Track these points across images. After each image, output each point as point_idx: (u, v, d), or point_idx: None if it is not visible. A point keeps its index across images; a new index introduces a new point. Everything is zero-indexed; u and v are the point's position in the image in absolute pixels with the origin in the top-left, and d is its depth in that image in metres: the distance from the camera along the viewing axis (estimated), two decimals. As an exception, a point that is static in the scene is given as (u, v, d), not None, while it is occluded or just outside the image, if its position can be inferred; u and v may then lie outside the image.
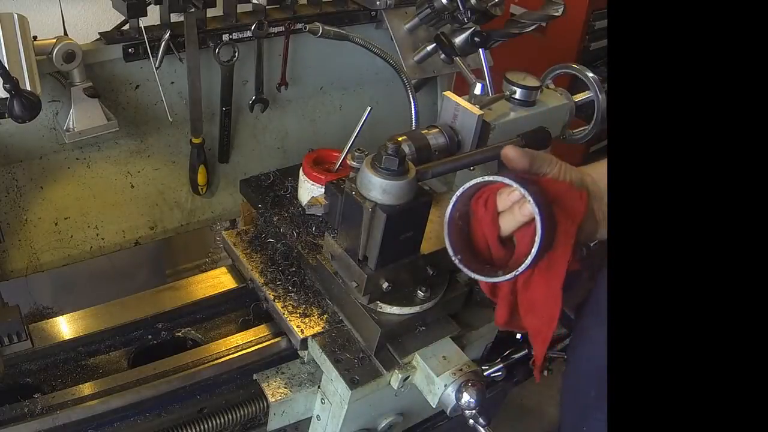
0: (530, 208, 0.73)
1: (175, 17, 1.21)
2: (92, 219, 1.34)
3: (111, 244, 1.38)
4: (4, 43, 0.95)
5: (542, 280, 0.79)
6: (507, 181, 0.75)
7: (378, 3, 1.42)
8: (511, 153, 0.80)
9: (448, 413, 1.02)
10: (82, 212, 1.32)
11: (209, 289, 1.26)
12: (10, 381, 1.04)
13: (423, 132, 1.09)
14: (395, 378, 1.02)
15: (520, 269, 0.73)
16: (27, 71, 0.97)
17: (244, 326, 1.19)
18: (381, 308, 1.02)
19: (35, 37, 1.03)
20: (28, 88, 0.97)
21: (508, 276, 0.75)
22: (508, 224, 0.78)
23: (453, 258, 0.80)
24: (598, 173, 0.86)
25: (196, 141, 1.35)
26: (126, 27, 1.18)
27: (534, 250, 0.72)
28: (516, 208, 0.76)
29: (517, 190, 0.75)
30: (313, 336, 1.06)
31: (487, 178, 0.77)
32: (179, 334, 1.17)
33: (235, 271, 1.29)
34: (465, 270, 0.79)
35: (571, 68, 1.24)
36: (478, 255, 0.83)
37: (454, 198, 0.80)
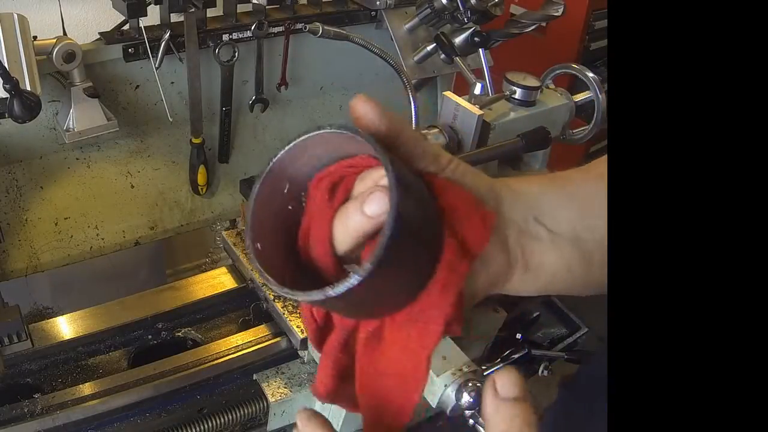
0: (379, 204, 0.42)
1: (175, 17, 1.21)
2: (92, 219, 1.34)
3: (111, 244, 1.38)
4: (4, 43, 0.95)
5: (398, 342, 0.46)
6: (357, 137, 0.43)
7: (378, 3, 1.42)
8: (360, 106, 0.46)
9: (448, 413, 1.02)
10: (82, 212, 1.32)
11: (209, 289, 1.26)
12: (10, 381, 1.04)
13: (423, 132, 1.09)
14: (395, 378, 1.02)
15: (330, 290, 0.40)
16: (27, 71, 0.97)
17: (244, 326, 1.19)
18: (381, 308, 1.02)
19: (35, 37, 1.03)
20: (28, 88, 0.97)
21: (300, 296, 0.42)
22: (347, 229, 0.45)
23: (247, 246, 0.46)
24: (527, 185, 0.52)
25: (196, 141, 1.35)
26: (126, 27, 1.18)
27: (367, 267, 0.39)
28: (360, 201, 0.43)
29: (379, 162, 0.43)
30: (313, 336, 1.06)
31: (327, 128, 0.45)
32: (179, 334, 1.17)
33: (235, 271, 1.29)
34: (257, 266, 0.45)
35: (571, 68, 1.24)
36: (307, 267, 0.49)
37: (275, 158, 0.47)
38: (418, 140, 0.48)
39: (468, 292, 0.48)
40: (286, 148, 0.47)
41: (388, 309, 0.46)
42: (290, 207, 0.49)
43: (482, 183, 0.50)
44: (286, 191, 0.49)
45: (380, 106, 0.46)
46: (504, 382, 0.43)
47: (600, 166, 0.54)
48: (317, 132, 0.46)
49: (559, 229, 0.51)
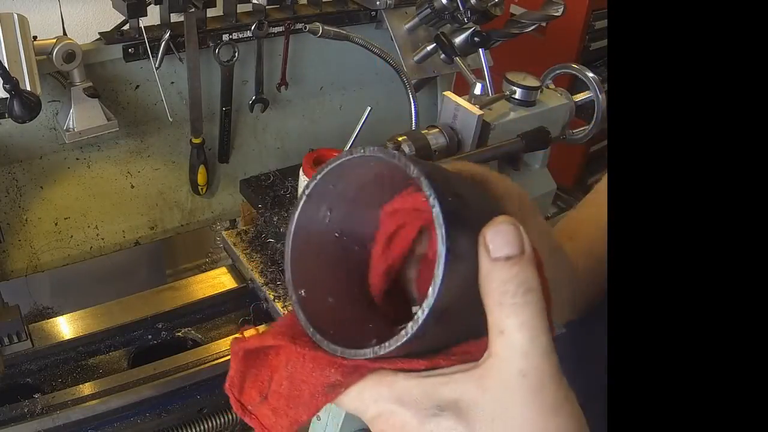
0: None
1: (175, 17, 1.21)
2: (92, 219, 1.34)
3: (111, 244, 1.38)
4: (4, 43, 0.95)
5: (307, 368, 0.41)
6: (408, 169, 0.37)
7: (378, 3, 1.42)
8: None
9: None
10: (82, 212, 1.32)
11: (209, 289, 1.26)
12: (10, 381, 1.04)
13: (423, 132, 1.09)
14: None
15: (380, 349, 0.37)
16: (27, 71, 0.97)
17: (245, 326, 1.19)
18: (381, 308, 1.02)
19: (35, 37, 1.03)
20: (28, 88, 0.97)
21: (353, 354, 0.38)
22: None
23: (290, 295, 0.43)
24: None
25: (196, 141, 1.35)
26: (126, 27, 1.18)
27: (424, 310, 0.35)
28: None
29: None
30: (313, 336, 1.06)
31: (372, 151, 0.39)
32: (179, 334, 1.17)
33: (235, 271, 1.29)
34: (302, 318, 0.41)
35: (571, 68, 1.24)
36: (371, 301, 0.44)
37: (312, 183, 0.42)
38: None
39: None
40: (325, 170, 0.41)
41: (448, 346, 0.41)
42: (336, 234, 0.44)
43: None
44: (328, 220, 0.44)
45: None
46: (494, 238, 0.36)
47: None
48: (360, 154, 0.40)
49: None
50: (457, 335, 0.40)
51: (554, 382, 0.35)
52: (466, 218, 0.37)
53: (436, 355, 0.39)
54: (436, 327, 0.36)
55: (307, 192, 0.42)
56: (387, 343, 0.36)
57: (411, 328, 0.36)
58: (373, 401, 0.39)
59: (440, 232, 0.35)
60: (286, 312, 1.10)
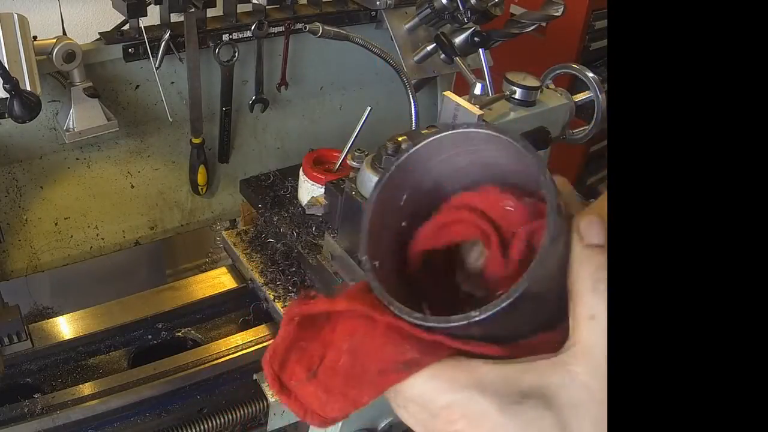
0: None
1: (175, 17, 1.21)
2: (92, 219, 1.34)
3: (111, 244, 1.38)
4: (4, 43, 0.95)
5: (382, 339, 0.38)
6: (523, 149, 0.37)
7: (378, 3, 1.42)
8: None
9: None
10: (82, 212, 1.32)
11: (209, 289, 1.26)
12: (10, 381, 1.04)
13: (423, 132, 1.09)
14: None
15: (486, 310, 0.35)
16: (27, 71, 0.97)
17: (244, 326, 1.19)
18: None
19: (35, 37, 1.03)
20: (28, 88, 0.97)
21: (437, 322, 0.36)
22: None
23: (364, 265, 0.41)
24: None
25: (196, 141, 1.35)
26: (126, 27, 1.18)
27: (525, 278, 0.35)
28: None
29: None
30: (313, 336, 1.06)
31: (474, 128, 0.38)
32: (179, 334, 1.17)
33: (235, 271, 1.29)
34: (376, 286, 0.39)
35: (571, 68, 1.24)
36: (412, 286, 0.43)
37: (402, 157, 0.41)
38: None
39: None
40: (415, 147, 0.40)
41: (526, 335, 0.39)
42: (404, 224, 0.43)
43: None
44: (402, 203, 0.43)
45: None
46: (588, 229, 0.37)
47: None
48: (456, 131, 0.39)
49: None
50: (532, 325, 0.39)
51: None
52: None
53: (512, 344, 0.38)
54: (523, 306, 0.35)
55: (397, 163, 0.41)
56: (484, 308, 0.35)
57: (512, 292, 0.34)
58: (449, 387, 0.36)
59: (551, 203, 0.36)
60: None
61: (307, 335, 0.40)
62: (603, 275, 0.36)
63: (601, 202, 0.38)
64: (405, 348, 0.37)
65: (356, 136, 1.08)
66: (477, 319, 0.35)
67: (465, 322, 0.35)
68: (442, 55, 1.39)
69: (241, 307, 1.22)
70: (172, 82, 1.30)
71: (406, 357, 0.36)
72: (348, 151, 1.11)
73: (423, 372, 0.37)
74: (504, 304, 0.34)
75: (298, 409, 0.40)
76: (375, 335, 0.37)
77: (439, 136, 0.40)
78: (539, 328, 0.39)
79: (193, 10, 1.18)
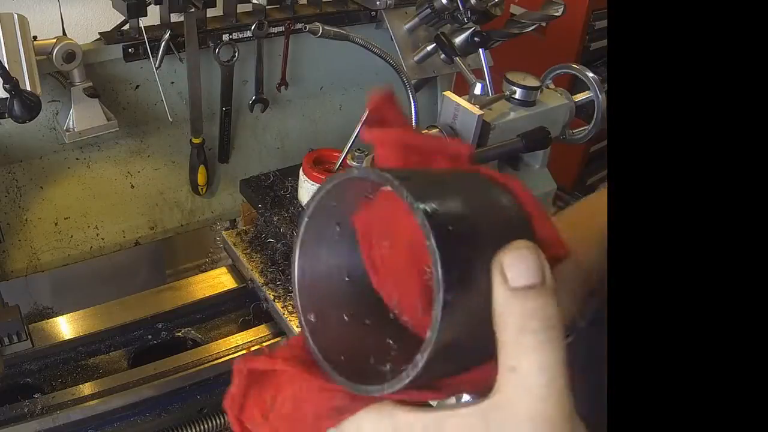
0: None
1: (175, 17, 1.21)
2: (92, 219, 1.34)
3: (111, 244, 1.38)
4: (4, 43, 0.95)
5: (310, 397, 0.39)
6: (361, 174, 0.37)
7: (378, 3, 1.42)
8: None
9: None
10: (82, 212, 1.32)
11: (209, 289, 1.26)
12: (10, 381, 1.04)
13: (423, 132, 1.09)
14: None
15: (388, 387, 0.35)
16: (27, 71, 0.97)
17: (244, 326, 1.19)
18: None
19: (35, 37, 1.03)
20: (28, 88, 0.97)
21: (363, 390, 0.36)
22: None
23: (300, 322, 0.41)
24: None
25: (196, 141, 1.35)
26: (126, 27, 1.18)
27: (423, 354, 0.33)
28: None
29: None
30: (313, 336, 1.06)
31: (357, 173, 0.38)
32: (179, 334, 1.17)
33: (235, 271, 1.29)
34: (311, 346, 0.40)
35: (571, 68, 1.24)
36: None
37: (312, 204, 0.39)
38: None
39: None
40: (321, 192, 0.38)
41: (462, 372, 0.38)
42: (348, 249, 0.42)
43: None
44: (338, 236, 0.41)
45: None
46: (514, 265, 0.32)
47: None
48: (346, 177, 0.37)
49: None
50: (464, 363, 0.37)
51: (566, 428, 0.31)
52: (472, 236, 0.34)
53: (440, 384, 0.37)
54: (439, 364, 0.34)
55: (309, 212, 0.39)
56: (387, 384, 0.35)
57: (411, 371, 0.33)
58: None
59: (436, 265, 0.31)
60: (286, 312, 1.10)
61: (261, 381, 0.43)
62: (530, 324, 0.31)
63: (566, 216, 0.35)
64: (337, 395, 0.38)
65: (356, 136, 1.08)
66: (389, 391, 0.35)
67: (379, 393, 0.35)
68: (442, 55, 1.39)
69: (241, 307, 1.22)
70: (172, 82, 1.30)
71: (337, 403, 0.38)
72: (348, 151, 1.11)
73: (349, 421, 0.37)
74: (412, 376, 0.33)
75: None
76: (311, 383, 0.39)
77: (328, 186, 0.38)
78: (472, 362, 0.38)
79: (193, 10, 1.18)
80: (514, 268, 0.31)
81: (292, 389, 0.40)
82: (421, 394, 0.37)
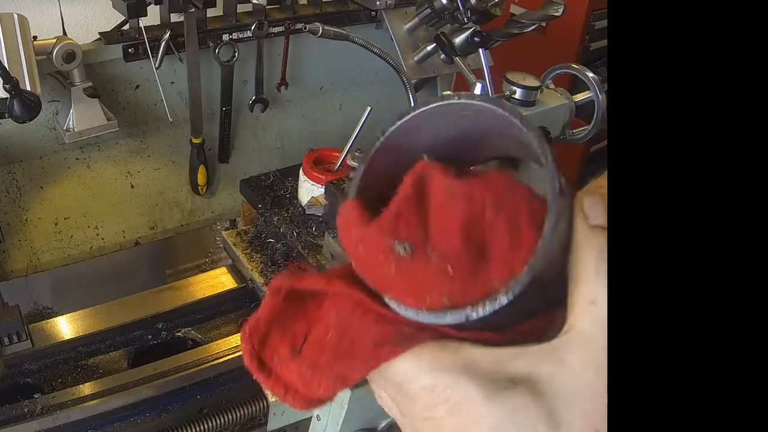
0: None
1: (175, 17, 1.21)
2: (92, 219, 1.34)
3: (111, 244, 1.38)
4: (4, 43, 0.95)
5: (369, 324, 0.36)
6: (520, 124, 0.36)
7: (378, 3, 1.42)
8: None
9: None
10: (82, 212, 1.32)
11: (209, 289, 1.26)
12: (10, 381, 1.04)
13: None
14: (395, 378, 1.02)
15: (473, 312, 0.33)
16: (27, 71, 0.97)
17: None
18: (381, 308, 1.02)
19: (35, 37, 1.03)
20: (28, 88, 0.97)
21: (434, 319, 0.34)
22: None
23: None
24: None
25: (196, 141, 1.35)
26: (126, 27, 1.18)
27: (527, 270, 0.32)
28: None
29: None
30: (313, 336, 1.06)
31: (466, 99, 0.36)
32: (179, 334, 1.17)
33: (235, 271, 1.29)
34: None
35: (571, 68, 1.24)
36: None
37: (387, 132, 0.38)
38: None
39: None
40: (403, 119, 0.37)
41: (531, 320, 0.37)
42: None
43: None
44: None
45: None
46: (593, 208, 0.35)
47: None
48: (443, 103, 0.36)
49: None
50: (526, 312, 0.36)
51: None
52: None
53: (505, 328, 0.35)
54: (524, 297, 0.33)
55: (381, 138, 0.37)
56: (479, 308, 0.32)
57: (513, 286, 0.32)
58: (432, 367, 0.34)
59: (552, 182, 0.33)
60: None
61: (293, 312, 0.38)
62: (605, 257, 0.34)
63: (602, 181, 0.36)
64: (401, 324, 0.35)
65: (356, 136, 1.08)
66: (475, 317, 0.33)
67: (462, 321, 0.33)
68: (442, 55, 1.39)
69: (241, 307, 1.22)
70: (172, 82, 1.30)
71: (405, 331, 0.35)
72: (348, 151, 1.11)
73: (411, 351, 0.34)
74: (505, 302, 0.32)
75: (278, 389, 0.38)
76: (367, 311, 0.35)
77: (434, 105, 0.37)
78: (533, 313, 0.37)
79: (193, 10, 1.18)
80: (592, 209, 0.35)
81: (340, 317, 0.36)
82: (484, 334, 0.35)
